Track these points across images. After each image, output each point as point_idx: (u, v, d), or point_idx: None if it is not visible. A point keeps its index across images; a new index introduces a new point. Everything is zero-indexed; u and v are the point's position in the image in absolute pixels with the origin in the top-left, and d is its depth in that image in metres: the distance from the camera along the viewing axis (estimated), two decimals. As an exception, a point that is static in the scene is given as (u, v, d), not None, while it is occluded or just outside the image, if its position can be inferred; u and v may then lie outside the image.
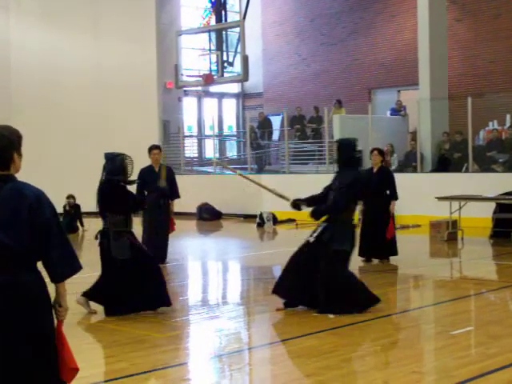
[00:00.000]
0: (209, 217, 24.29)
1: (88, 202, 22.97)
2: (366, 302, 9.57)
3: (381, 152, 14.19)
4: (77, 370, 4.75)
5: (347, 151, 9.71)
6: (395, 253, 14.03)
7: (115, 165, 9.73)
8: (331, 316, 9.29)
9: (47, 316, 4.65)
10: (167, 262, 13.97)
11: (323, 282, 9.37)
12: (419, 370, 7.12)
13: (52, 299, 4.70)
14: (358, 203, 10.00)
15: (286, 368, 7.26)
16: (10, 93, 26.02)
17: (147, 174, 13.86)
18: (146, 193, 13.72)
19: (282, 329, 8.88)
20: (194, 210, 24.21)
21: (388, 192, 13.90)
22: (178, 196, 14.26)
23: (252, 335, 8.54)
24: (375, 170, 13.96)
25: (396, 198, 13.93)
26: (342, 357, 7.48)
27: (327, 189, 9.81)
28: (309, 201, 10.00)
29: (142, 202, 10.85)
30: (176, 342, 8.50)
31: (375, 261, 14.00)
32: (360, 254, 13.93)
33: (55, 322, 4.72)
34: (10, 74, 26.16)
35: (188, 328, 9.16)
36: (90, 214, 23.13)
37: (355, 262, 13.97)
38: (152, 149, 14.17)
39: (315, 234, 9.52)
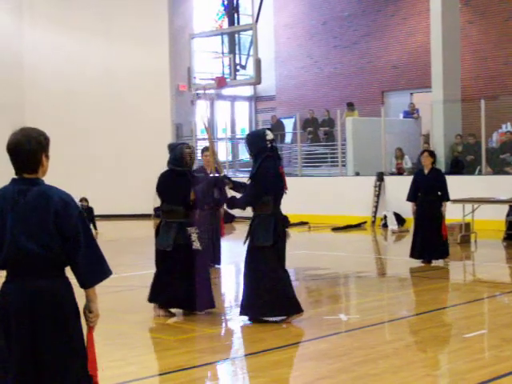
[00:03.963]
0: (221, 219, 24.23)
1: (101, 205, 23.14)
2: (288, 310, 9.23)
3: (431, 153, 14.31)
4: (95, 378, 4.66)
5: (256, 143, 9.24)
6: (447, 254, 14.14)
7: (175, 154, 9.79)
8: (344, 318, 9.27)
9: (75, 322, 4.57)
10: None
11: (246, 283, 9.23)
12: (432, 373, 7.08)
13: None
14: (278, 195, 9.31)
15: (298, 371, 7.24)
16: (23, 94, 26.15)
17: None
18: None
19: (294, 332, 8.85)
20: (206, 212, 24.17)
21: (440, 193, 13.98)
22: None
23: (264, 338, 8.51)
24: (426, 171, 14.09)
25: (448, 200, 13.99)
26: (355, 360, 7.45)
27: None
28: (235, 186, 9.69)
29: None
30: (187, 344, 8.48)
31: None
32: (412, 256, 14.04)
33: (84, 328, 4.64)
34: (23, 75, 26.29)
35: (199, 331, 9.13)
36: (102, 217, 23.31)
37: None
38: (204, 150, 14.13)
39: (246, 234, 9.29)
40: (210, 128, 12.41)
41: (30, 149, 4.49)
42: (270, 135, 9.20)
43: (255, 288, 9.10)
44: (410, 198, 14.27)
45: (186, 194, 9.68)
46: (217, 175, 9.84)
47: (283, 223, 9.43)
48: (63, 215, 4.47)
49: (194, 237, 9.64)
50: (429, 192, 13.97)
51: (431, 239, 13.81)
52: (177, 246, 9.51)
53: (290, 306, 9.20)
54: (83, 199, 20.64)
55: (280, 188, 9.25)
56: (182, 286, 9.51)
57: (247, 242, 9.27)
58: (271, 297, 9.04)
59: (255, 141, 9.27)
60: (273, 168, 9.15)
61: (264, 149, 9.14)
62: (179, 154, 9.72)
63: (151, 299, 9.78)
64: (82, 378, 4.58)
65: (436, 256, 14.05)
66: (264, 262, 9.05)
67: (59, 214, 4.46)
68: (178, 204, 9.65)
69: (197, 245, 9.62)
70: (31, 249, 4.43)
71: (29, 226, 4.45)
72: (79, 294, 4.68)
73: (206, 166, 13.95)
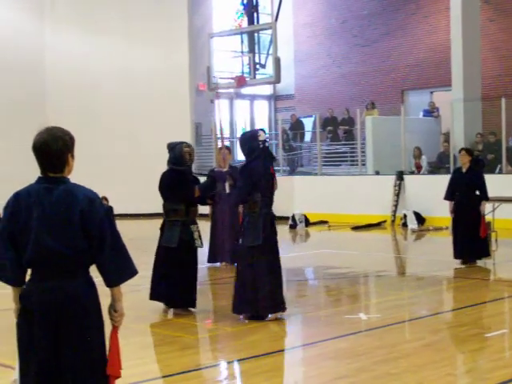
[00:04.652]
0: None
1: (119, 204, 23.17)
2: (275, 307, 9.32)
3: (469, 152, 14.05)
4: (118, 377, 4.65)
5: (248, 143, 9.46)
6: (487, 253, 13.89)
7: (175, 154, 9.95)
8: (364, 317, 9.25)
9: (96, 323, 4.55)
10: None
11: (238, 281, 9.38)
12: (453, 373, 7.06)
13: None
14: (265, 194, 9.35)
15: (318, 370, 7.22)
16: (44, 96, 26.26)
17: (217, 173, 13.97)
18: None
19: (313, 331, 8.84)
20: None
21: (478, 192, 13.73)
22: None
23: (284, 337, 8.51)
24: (464, 169, 13.82)
25: (487, 199, 13.79)
26: (375, 359, 7.43)
27: None
28: (235, 182, 10.32)
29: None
30: (208, 343, 8.49)
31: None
32: (455, 257, 13.79)
33: (107, 327, 4.63)
34: (45, 76, 26.39)
35: (220, 329, 9.14)
36: (122, 216, 23.35)
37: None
38: (220, 149, 14.31)
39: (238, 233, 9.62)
40: (219, 127, 12.72)
41: (56, 149, 4.49)
42: (262, 136, 9.43)
43: (243, 286, 9.22)
44: (447, 197, 13.95)
45: (188, 193, 9.91)
46: (221, 170, 10.10)
47: (273, 222, 9.51)
48: (88, 213, 4.44)
49: (196, 235, 9.88)
50: (466, 191, 13.68)
51: (470, 239, 13.52)
52: (181, 242, 9.69)
53: (276, 304, 9.28)
54: (104, 198, 20.66)
55: (267, 187, 9.36)
56: (181, 282, 9.69)
57: (240, 241, 9.41)
58: (265, 295, 9.14)
59: (248, 141, 9.51)
60: (261, 167, 9.30)
61: (255, 149, 9.34)
62: (179, 153, 9.91)
63: (168, 303, 9.99)
64: (100, 377, 4.56)
65: (475, 256, 13.76)
66: (255, 260, 9.16)
67: (84, 212, 4.43)
68: (180, 202, 9.86)
69: (198, 243, 9.88)
70: (56, 248, 4.40)
71: (54, 225, 4.42)
72: (105, 294, 4.68)
73: (220, 163, 14.08)
